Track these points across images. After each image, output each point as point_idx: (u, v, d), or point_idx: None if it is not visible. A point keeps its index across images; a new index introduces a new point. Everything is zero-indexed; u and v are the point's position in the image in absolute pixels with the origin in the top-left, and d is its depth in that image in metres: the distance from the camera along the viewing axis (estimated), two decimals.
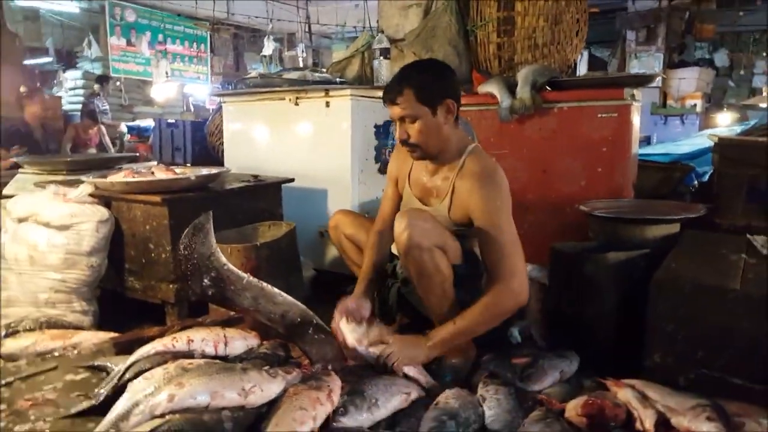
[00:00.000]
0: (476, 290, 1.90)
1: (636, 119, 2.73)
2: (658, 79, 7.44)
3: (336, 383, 1.54)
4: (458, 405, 1.56)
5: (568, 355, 1.91)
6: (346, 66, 3.58)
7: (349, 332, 1.80)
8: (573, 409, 1.58)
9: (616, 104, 2.59)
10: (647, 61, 7.44)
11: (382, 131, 3.02)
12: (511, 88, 2.80)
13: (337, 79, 3.15)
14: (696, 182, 3.62)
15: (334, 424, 1.46)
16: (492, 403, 1.61)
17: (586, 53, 8.51)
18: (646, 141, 6.85)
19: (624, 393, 1.62)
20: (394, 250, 2.15)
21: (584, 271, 1.98)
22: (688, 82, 7.66)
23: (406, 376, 1.71)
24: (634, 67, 7.57)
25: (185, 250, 1.57)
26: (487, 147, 2.86)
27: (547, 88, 2.79)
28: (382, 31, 3.46)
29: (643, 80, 2.87)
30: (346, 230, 2.23)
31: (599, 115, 2.62)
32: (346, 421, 1.48)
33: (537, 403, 1.69)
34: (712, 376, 1.61)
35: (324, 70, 3.77)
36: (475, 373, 1.87)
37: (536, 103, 2.71)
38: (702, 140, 4.47)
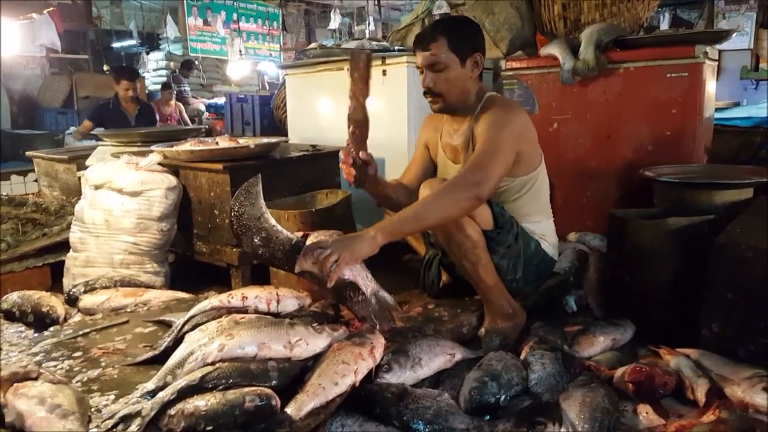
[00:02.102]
0: (512, 255, 1.87)
1: (710, 79, 2.53)
2: (749, 40, 6.82)
3: (379, 341, 1.58)
4: (501, 367, 1.57)
5: (622, 324, 1.87)
6: (406, 34, 3.55)
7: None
8: (621, 375, 1.55)
9: (687, 63, 2.41)
10: (737, 21, 6.84)
11: None
12: (574, 49, 2.68)
13: (395, 48, 3.13)
14: None
15: (378, 380, 1.50)
16: (536, 366, 1.61)
17: (668, 15, 7.93)
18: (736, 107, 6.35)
19: (676, 361, 1.56)
20: None
21: (642, 238, 1.89)
22: None
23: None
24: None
25: (236, 210, 1.64)
26: (548, 112, 2.79)
27: (614, 48, 2.64)
28: None
29: (716, 36, 2.65)
30: None
31: (668, 75, 2.46)
32: (390, 378, 1.52)
33: (585, 369, 1.66)
34: None
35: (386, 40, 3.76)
36: (524, 339, 1.85)
37: (600, 64, 2.57)
38: None
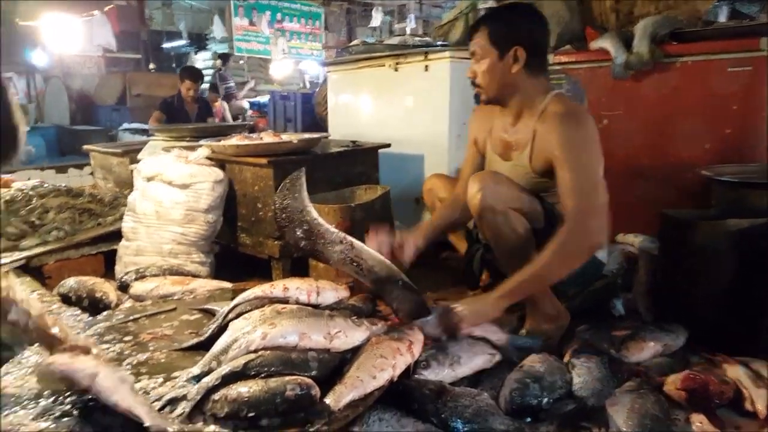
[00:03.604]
0: None
1: None
2: None
3: (418, 337, 1.56)
4: (544, 369, 1.53)
5: (674, 329, 1.78)
6: (449, 29, 3.51)
7: None
8: (673, 383, 1.48)
9: (751, 56, 2.28)
10: None
11: None
12: (627, 43, 2.59)
13: (437, 43, 3.10)
14: None
15: (415, 376, 1.49)
16: (581, 370, 1.55)
17: (726, 10, 7.58)
18: None
19: (734, 370, 1.48)
20: None
21: (699, 240, 1.80)
22: None
23: (472, 337, 1.64)
24: None
25: (280, 203, 1.66)
26: (598, 107, 2.71)
27: (670, 41, 2.54)
28: None
29: None
30: (440, 194, 2.23)
31: (729, 69, 2.33)
32: (428, 375, 1.51)
33: (633, 374, 1.60)
34: None
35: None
36: (567, 342, 1.80)
37: (655, 58, 2.47)
38: None
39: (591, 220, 1.60)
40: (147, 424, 1.20)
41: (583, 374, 1.52)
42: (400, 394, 1.41)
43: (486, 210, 1.69)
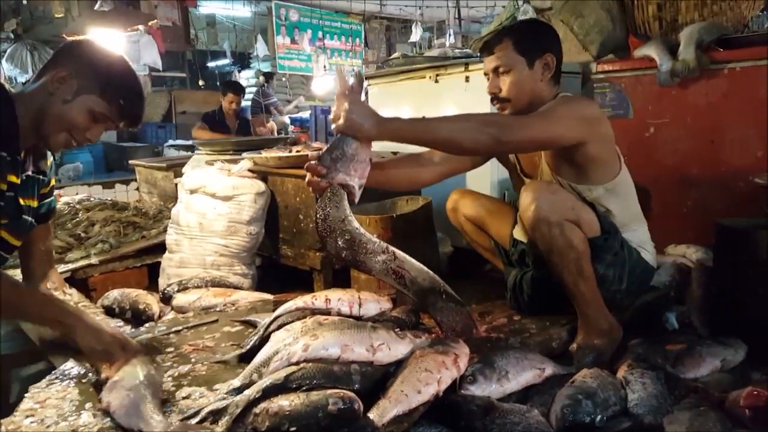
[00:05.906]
0: (618, 263, 1.75)
1: None
2: None
3: (463, 350, 1.52)
4: (596, 385, 1.46)
5: (732, 344, 1.69)
6: None
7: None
8: (734, 399, 1.39)
9: None
10: None
11: None
12: (672, 50, 2.52)
13: (478, 55, 3.08)
14: None
15: (462, 391, 1.45)
16: (636, 386, 1.48)
17: None
18: None
19: None
20: (516, 234, 2.05)
21: (756, 249, 1.71)
22: None
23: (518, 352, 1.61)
24: None
25: (321, 212, 1.65)
26: (644, 115, 2.65)
27: (717, 48, 2.46)
28: (528, 1, 3.31)
29: None
30: (466, 211, 2.20)
31: None
32: (474, 390, 1.46)
33: (691, 391, 1.52)
34: None
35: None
36: (619, 357, 1.73)
37: (702, 64, 2.41)
38: None
39: (516, 122, 1.63)
40: None
41: (638, 390, 1.45)
42: (446, 409, 1.37)
43: (541, 222, 1.64)
